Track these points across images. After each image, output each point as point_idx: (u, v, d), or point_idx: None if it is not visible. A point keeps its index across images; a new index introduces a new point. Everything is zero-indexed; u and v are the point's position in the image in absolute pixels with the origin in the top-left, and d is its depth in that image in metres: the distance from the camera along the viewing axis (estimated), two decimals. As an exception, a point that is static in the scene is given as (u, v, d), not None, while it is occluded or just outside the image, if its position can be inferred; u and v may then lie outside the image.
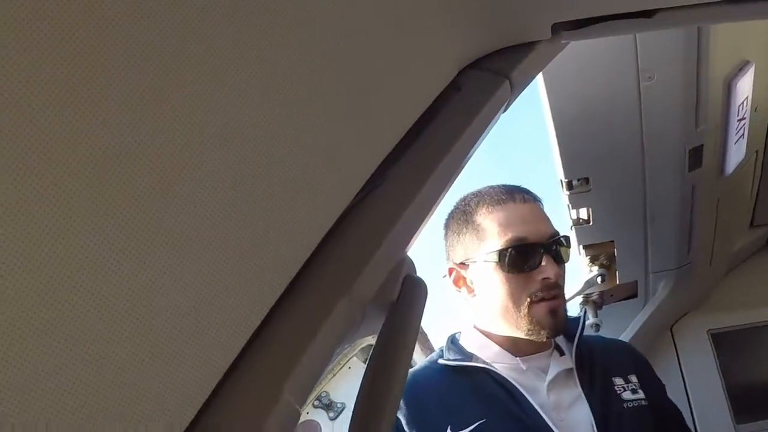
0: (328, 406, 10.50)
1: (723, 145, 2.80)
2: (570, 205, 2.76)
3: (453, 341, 2.10)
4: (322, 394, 10.47)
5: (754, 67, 2.61)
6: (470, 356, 1.99)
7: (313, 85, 0.85)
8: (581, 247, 3.04)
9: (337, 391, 10.44)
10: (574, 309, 3.19)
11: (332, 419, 10.46)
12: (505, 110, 1.35)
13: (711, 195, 2.98)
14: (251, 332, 0.81)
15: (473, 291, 2.04)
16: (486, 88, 1.23)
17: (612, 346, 2.30)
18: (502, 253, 1.90)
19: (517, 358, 1.97)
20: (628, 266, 3.13)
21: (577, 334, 2.05)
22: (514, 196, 2.01)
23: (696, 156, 2.62)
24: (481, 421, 1.79)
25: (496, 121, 1.31)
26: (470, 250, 2.01)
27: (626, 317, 3.39)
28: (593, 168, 2.50)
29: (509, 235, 1.92)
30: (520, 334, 1.93)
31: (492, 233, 1.95)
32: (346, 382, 10.03)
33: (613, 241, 3.01)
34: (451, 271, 2.08)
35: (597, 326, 3.11)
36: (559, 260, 1.95)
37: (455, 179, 1.20)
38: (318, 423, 10.40)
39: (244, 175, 0.76)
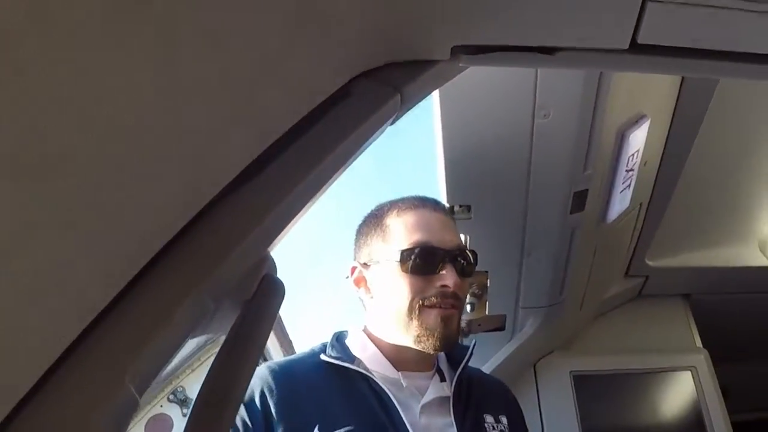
0: (183, 402, 10.37)
1: (608, 193, 2.88)
2: None
3: (338, 339, 2.09)
4: (178, 389, 10.33)
5: (649, 121, 2.70)
6: (353, 359, 1.98)
7: (179, 77, 0.84)
8: (455, 273, 3.04)
9: (193, 387, 10.33)
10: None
11: (186, 415, 10.37)
12: (393, 123, 1.35)
13: (590, 240, 3.06)
14: (92, 318, 0.79)
15: (371, 291, 2.05)
16: (376, 99, 1.23)
17: (490, 382, 2.33)
18: (404, 254, 1.92)
19: (399, 373, 1.97)
20: (499, 298, 3.18)
21: (463, 363, 2.06)
22: (426, 203, 2.07)
23: (580, 199, 2.68)
24: (349, 428, 1.78)
25: (382, 132, 1.32)
26: (375, 251, 2.04)
27: (491, 349, 3.44)
28: (477, 196, 2.53)
29: (414, 238, 1.95)
30: (409, 341, 1.93)
31: (398, 235, 1.99)
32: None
33: (487, 272, 3.05)
34: (353, 270, 2.10)
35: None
36: (463, 273, 1.97)
37: (331, 184, 1.20)
38: (170, 417, 10.27)
39: (104, 157, 0.74)
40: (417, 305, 1.90)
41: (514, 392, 2.35)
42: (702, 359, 3.98)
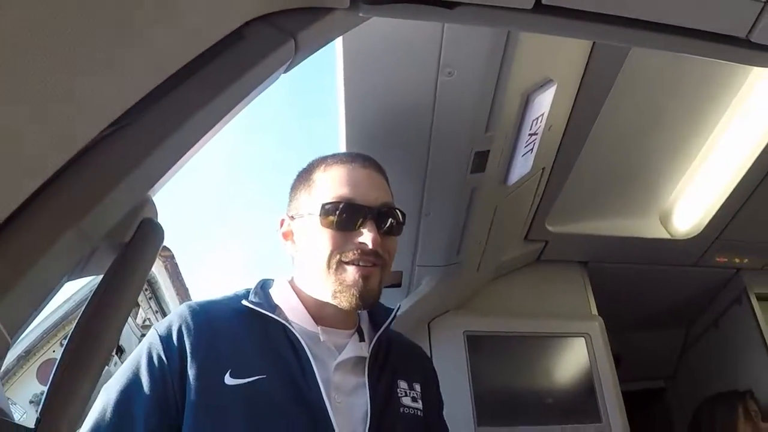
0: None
1: (510, 156, 2.91)
2: None
3: (263, 287, 2.09)
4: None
5: (556, 86, 2.73)
6: (274, 307, 1.98)
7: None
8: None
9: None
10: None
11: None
12: (287, 70, 1.35)
13: (490, 201, 3.11)
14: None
15: (296, 244, 2.07)
16: (268, 44, 1.22)
17: (409, 348, 2.34)
18: (324, 208, 1.93)
19: (318, 327, 1.97)
20: (396, 255, 3.17)
21: (384, 326, 2.08)
22: (354, 159, 2.09)
23: (481, 160, 2.70)
24: (262, 376, 1.78)
25: (275, 79, 1.31)
26: (301, 205, 2.05)
27: (387, 305, 3.46)
28: (376, 152, 2.52)
29: (337, 192, 1.96)
30: (327, 296, 1.94)
31: (323, 189, 2.00)
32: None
33: (381, 227, 3.04)
34: (282, 222, 2.12)
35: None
36: (388, 231, 1.99)
37: (221, 128, 1.19)
38: (60, 362, 10.14)
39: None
40: (335, 260, 1.91)
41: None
42: (596, 326, 4.09)
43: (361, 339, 2.05)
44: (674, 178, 4.04)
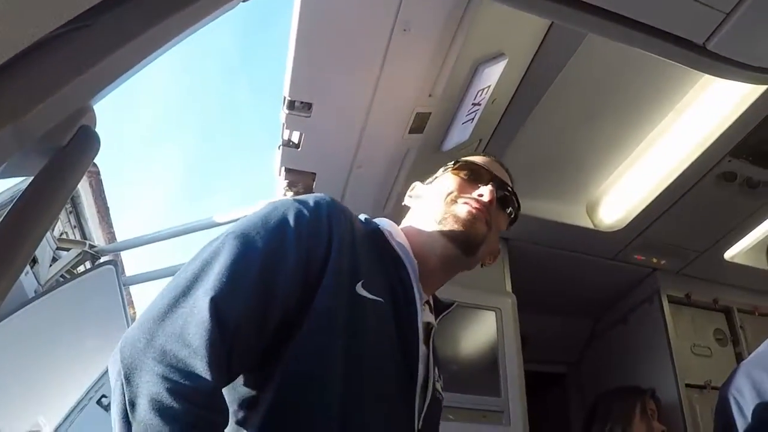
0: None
1: (450, 122, 2.97)
2: (285, 124, 2.79)
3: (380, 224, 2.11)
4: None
5: (507, 61, 2.78)
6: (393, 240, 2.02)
7: None
8: (283, 168, 3.10)
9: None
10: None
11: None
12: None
13: (422, 164, 3.14)
14: None
15: (420, 197, 2.25)
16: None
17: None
18: (459, 163, 2.17)
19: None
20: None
21: (446, 312, 2.17)
22: (494, 158, 2.30)
23: (421, 121, 2.76)
24: (381, 299, 1.79)
25: (233, 7, 1.32)
26: (437, 174, 2.25)
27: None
28: (319, 96, 2.54)
29: (474, 159, 2.21)
30: (433, 233, 2.02)
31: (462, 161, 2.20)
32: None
33: (315, 174, 3.10)
34: (413, 188, 2.30)
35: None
36: (501, 201, 2.16)
37: (167, 49, 1.20)
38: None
39: None
40: (453, 197, 2.06)
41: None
42: (509, 303, 4.18)
43: (430, 311, 2.12)
44: (607, 170, 4.13)
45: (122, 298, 4.35)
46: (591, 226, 4.37)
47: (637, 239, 4.48)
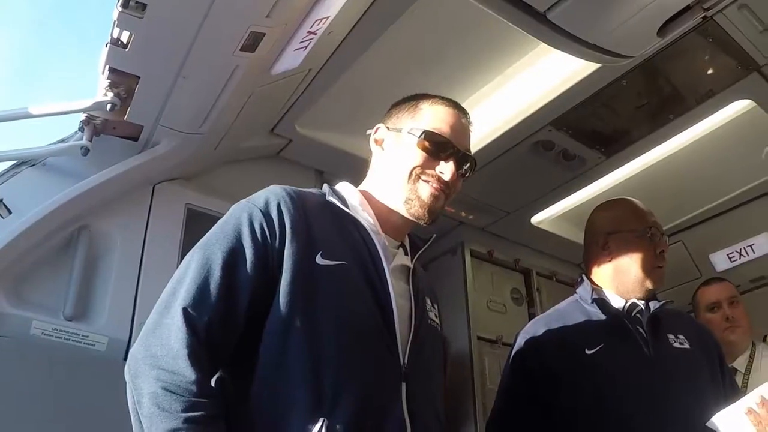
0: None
1: (283, 46, 3.04)
2: (116, 22, 2.72)
3: (333, 190, 2.41)
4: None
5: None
6: (348, 207, 2.31)
7: None
8: (107, 68, 3.06)
9: None
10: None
11: None
12: None
13: (248, 84, 3.23)
14: None
15: (385, 150, 2.46)
16: None
17: (427, 276, 2.68)
18: (425, 132, 2.33)
19: (382, 234, 2.29)
20: (141, 107, 3.27)
21: (424, 247, 2.47)
22: (457, 107, 2.48)
23: (254, 41, 2.81)
24: (344, 262, 2.11)
25: None
26: (402, 121, 2.45)
27: (117, 156, 3.46)
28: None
29: (439, 127, 2.36)
30: (399, 202, 2.32)
31: (426, 118, 2.40)
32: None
33: (139, 78, 3.09)
34: (377, 129, 2.52)
35: (86, 150, 3.19)
36: (462, 174, 2.39)
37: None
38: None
39: None
40: (416, 173, 2.31)
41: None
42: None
43: (405, 253, 2.41)
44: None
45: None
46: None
47: (448, 191, 4.61)
